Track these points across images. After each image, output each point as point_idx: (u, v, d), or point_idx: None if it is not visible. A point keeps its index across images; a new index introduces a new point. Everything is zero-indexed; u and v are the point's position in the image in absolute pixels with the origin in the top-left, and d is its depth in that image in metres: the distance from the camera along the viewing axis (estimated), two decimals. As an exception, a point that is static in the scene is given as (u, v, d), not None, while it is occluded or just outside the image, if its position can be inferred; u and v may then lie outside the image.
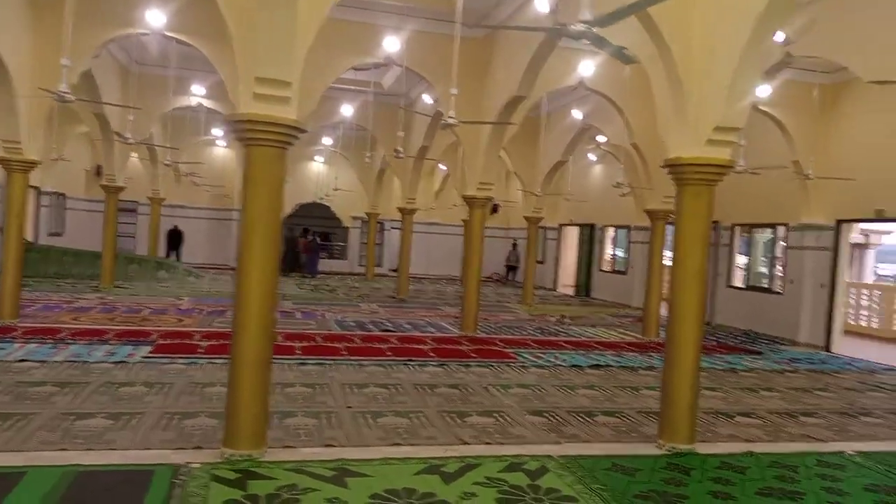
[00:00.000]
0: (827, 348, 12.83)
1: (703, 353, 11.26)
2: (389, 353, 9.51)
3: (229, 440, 4.88)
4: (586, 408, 7.15)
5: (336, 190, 23.29)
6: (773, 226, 14.70)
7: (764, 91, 12.27)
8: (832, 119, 12.95)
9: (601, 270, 22.23)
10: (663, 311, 17.90)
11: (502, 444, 5.68)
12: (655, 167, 12.29)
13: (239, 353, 4.85)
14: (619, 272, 21.16)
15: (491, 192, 11.81)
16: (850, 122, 12.62)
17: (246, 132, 4.73)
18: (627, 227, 20.38)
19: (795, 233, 13.78)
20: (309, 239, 24.44)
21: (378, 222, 26.16)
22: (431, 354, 9.68)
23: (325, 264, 28.17)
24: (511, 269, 28.09)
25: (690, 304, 5.77)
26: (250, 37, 4.61)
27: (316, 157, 27.22)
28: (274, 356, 8.65)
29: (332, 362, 8.69)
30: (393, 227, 30.00)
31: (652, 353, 11.07)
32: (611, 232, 22.20)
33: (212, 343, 9.45)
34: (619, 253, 22.04)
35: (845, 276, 17.81)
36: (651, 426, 6.42)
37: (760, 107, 12.81)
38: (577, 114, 15.92)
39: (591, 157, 22.07)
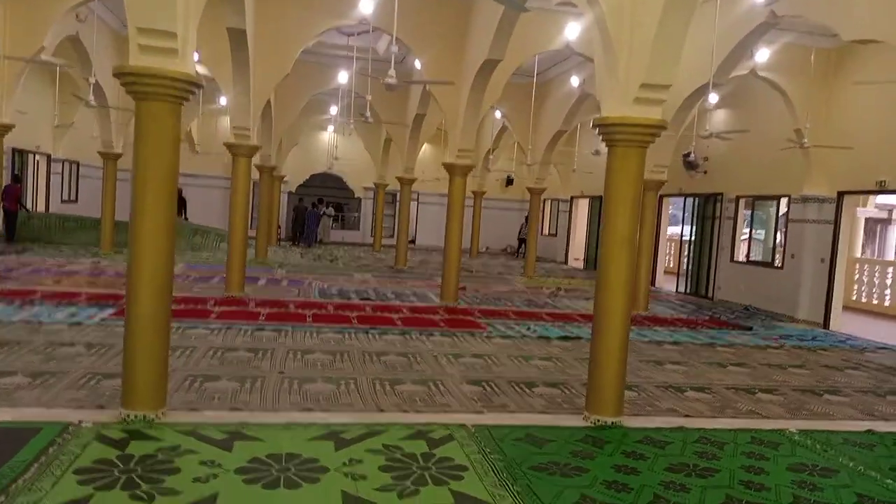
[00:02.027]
0: (825, 325, 12.34)
1: (690, 328, 11.05)
2: (355, 321, 9.41)
3: (127, 401, 4.82)
4: (531, 378, 6.95)
5: (336, 159, 23.12)
6: (776, 198, 14.11)
7: (762, 55, 11.75)
8: (835, 86, 12.29)
9: (610, 244, 21.72)
10: (668, 285, 17.58)
11: (420, 412, 5.53)
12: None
13: (133, 313, 4.77)
14: (626, 245, 20.67)
15: (470, 159, 11.54)
16: (854, 90, 11.93)
17: (133, 85, 4.58)
18: (635, 200, 19.84)
19: (797, 205, 13.20)
20: (309, 209, 24.40)
21: (390, 193, 26.03)
22: (398, 323, 9.55)
23: (336, 235, 28.27)
24: (523, 241, 27.73)
25: (618, 272, 5.49)
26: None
27: (329, 127, 27.10)
28: (235, 321, 8.80)
29: (291, 328, 8.62)
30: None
31: (632, 327, 10.72)
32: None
33: (178, 308, 9.45)
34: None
35: (856, 251, 17.16)
36: (590, 398, 6.20)
37: (759, 73, 12.24)
38: (574, 81, 15.45)
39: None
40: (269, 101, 15.68)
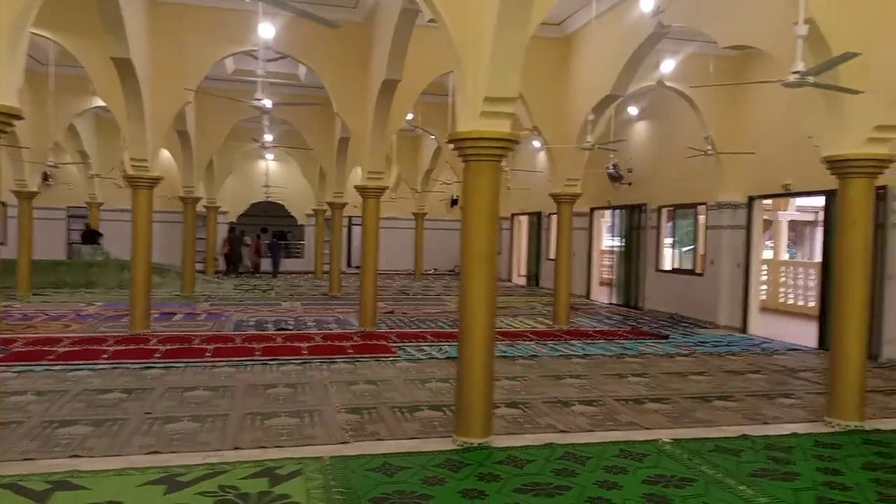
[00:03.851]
0: (743, 329, 12.44)
1: (606, 339, 11.02)
2: (258, 353, 9.14)
3: (-53, 455, 4.51)
4: (418, 402, 6.78)
5: (266, 187, 22.92)
6: (695, 205, 14.29)
7: (668, 66, 11.96)
8: (740, 94, 12.53)
9: (549, 259, 21.82)
10: (602, 297, 17.63)
11: (280, 447, 5.31)
12: (556, 150, 11.94)
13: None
14: (564, 260, 20.71)
15: (382, 181, 11.43)
16: (757, 97, 12.20)
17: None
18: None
19: (713, 211, 13.38)
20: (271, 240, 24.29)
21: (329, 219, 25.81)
22: (304, 352, 9.30)
23: (281, 263, 27.77)
24: (469, 261, 27.65)
25: (478, 287, 5.39)
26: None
27: (267, 155, 26.80)
28: (126, 360, 8.44)
29: (184, 365, 8.32)
30: (353, 224, 29.62)
31: (548, 342, 10.70)
32: (555, 220, 21.77)
33: (72, 349, 9.09)
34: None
35: (781, 254, 17.46)
36: (469, 420, 6.04)
37: (667, 83, 12.43)
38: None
39: (536, 143, 21.65)
40: (186, 132, 15.42)
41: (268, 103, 8.16)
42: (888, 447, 5.65)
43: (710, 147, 11.39)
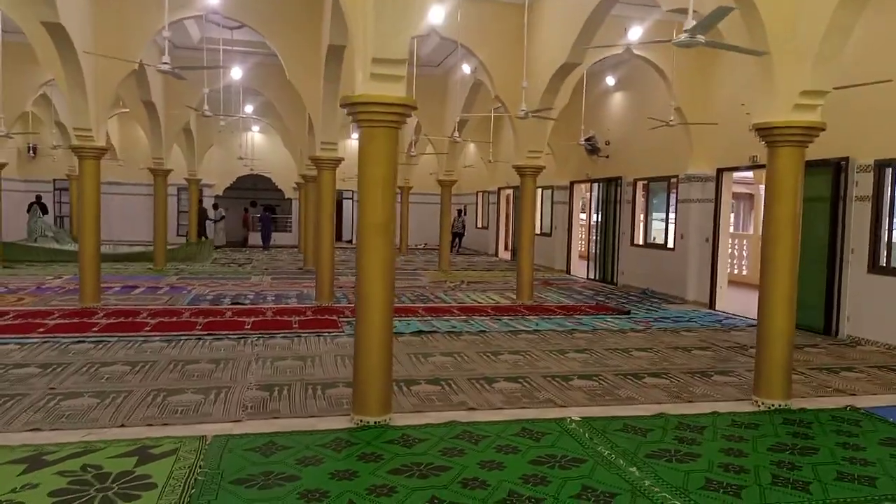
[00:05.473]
0: (711, 305, 12.17)
1: (565, 315, 10.79)
2: (198, 328, 8.99)
3: None
4: (336, 379, 6.60)
5: (242, 159, 22.81)
6: (667, 178, 13.94)
7: (635, 33, 11.57)
8: (709, 64, 12.11)
9: (536, 234, 21.47)
10: (582, 272, 17.36)
11: (168, 424, 5.15)
12: (518, 121, 11.59)
13: None
14: (545, 234, 20.46)
15: (335, 152, 11.17)
16: (725, 67, 11.78)
17: None
18: (551, 188, 19.68)
19: (684, 185, 13.05)
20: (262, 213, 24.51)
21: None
22: (246, 327, 9.14)
23: (269, 237, 27.62)
24: (457, 235, 27.40)
25: (374, 260, 5.15)
26: None
27: (253, 128, 26.53)
28: (61, 335, 8.29)
29: (116, 339, 8.18)
30: (345, 198, 29.39)
31: (503, 317, 10.49)
32: (539, 193, 21.41)
33: (10, 323, 8.96)
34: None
35: (760, 228, 17.05)
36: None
37: (636, 51, 12.04)
38: (466, 68, 15.13)
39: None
40: (152, 102, 15.14)
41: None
42: (807, 428, 5.43)
43: (672, 118, 11.02)
